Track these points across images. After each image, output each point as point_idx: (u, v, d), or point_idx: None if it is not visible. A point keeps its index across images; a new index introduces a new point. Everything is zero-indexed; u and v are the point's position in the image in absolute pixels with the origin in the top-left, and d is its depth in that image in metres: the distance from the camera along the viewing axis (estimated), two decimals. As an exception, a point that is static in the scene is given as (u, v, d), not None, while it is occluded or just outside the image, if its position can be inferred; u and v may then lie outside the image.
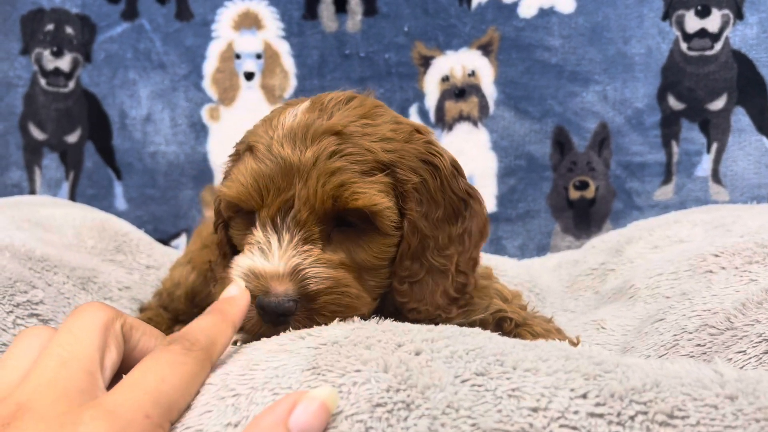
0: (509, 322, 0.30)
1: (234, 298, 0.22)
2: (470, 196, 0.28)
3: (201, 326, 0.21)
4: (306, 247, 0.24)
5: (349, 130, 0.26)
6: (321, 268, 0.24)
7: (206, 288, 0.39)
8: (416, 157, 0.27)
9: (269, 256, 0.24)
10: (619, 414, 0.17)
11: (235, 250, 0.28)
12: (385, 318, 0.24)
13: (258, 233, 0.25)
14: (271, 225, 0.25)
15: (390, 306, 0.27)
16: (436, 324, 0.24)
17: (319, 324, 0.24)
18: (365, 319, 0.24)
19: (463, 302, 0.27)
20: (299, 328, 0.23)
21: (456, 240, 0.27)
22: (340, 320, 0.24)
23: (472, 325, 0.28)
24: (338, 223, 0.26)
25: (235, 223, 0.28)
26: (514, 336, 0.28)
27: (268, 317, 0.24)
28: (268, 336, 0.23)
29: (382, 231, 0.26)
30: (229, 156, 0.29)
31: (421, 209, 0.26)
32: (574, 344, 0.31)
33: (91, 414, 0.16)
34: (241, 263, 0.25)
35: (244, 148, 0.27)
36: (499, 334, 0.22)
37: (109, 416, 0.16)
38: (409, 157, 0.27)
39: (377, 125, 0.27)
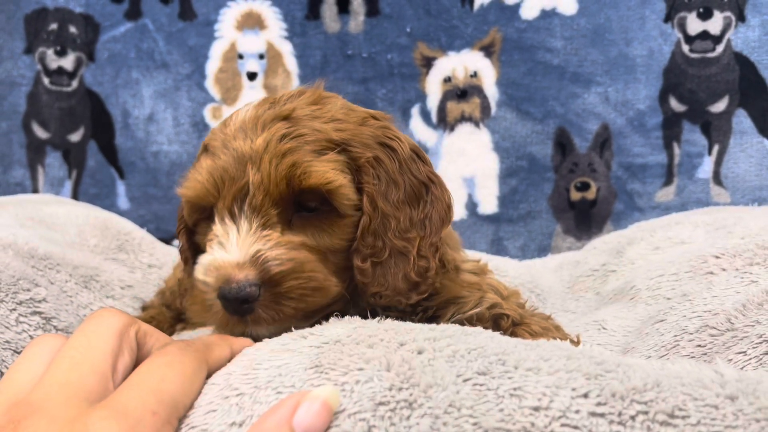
0: (506, 320, 0.29)
1: (240, 338, 0.23)
2: (431, 182, 0.28)
3: (200, 336, 0.22)
4: (265, 233, 0.24)
5: (297, 114, 0.26)
6: (282, 249, 0.24)
7: None
8: (371, 138, 0.27)
9: (228, 247, 0.24)
10: (620, 413, 0.17)
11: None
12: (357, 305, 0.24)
13: (216, 227, 0.25)
14: (228, 216, 0.24)
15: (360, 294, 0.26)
16: (400, 311, 0.24)
17: (286, 310, 0.23)
18: (335, 307, 0.24)
19: (425, 288, 0.26)
20: (267, 316, 0.22)
21: (417, 224, 0.26)
22: (309, 305, 0.23)
23: (469, 320, 0.28)
24: (298, 208, 0.25)
25: (200, 228, 0.28)
26: (512, 335, 0.27)
27: (231, 306, 0.23)
28: (237, 332, 0.23)
29: (341, 211, 0.25)
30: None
31: (379, 185, 0.26)
32: (574, 342, 0.31)
33: (101, 414, 0.16)
34: (202, 260, 0.24)
35: (201, 151, 0.27)
36: (500, 333, 0.22)
37: (118, 416, 0.16)
38: (363, 136, 0.26)
39: (327, 109, 0.27)
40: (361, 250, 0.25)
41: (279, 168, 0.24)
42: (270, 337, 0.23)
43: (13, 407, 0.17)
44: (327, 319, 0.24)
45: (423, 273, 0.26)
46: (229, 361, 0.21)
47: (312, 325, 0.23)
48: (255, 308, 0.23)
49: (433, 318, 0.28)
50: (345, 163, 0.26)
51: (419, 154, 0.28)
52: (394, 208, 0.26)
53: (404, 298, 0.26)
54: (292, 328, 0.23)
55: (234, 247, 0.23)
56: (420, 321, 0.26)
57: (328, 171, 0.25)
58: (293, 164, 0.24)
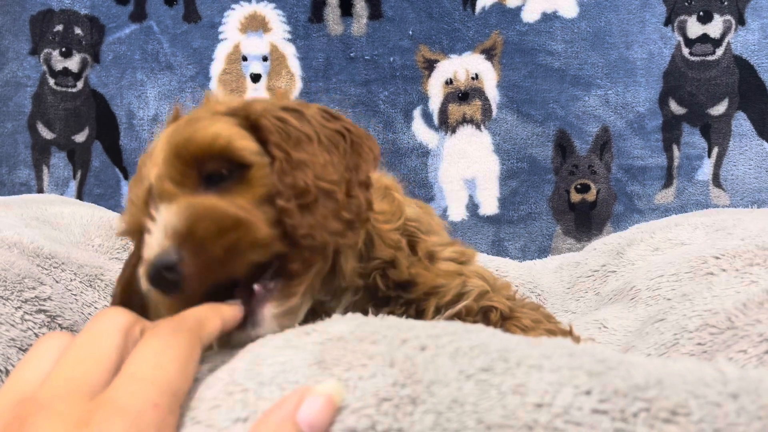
0: (495, 312, 0.28)
1: (231, 306, 0.22)
2: (349, 131, 0.25)
3: (191, 313, 0.20)
4: (172, 207, 0.22)
5: (189, 116, 0.25)
6: (182, 207, 0.21)
7: None
8: (268, 105, 0.25)
9: (149, 244, 0.22)
10: (622, 411, 0.17)
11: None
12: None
13: (146, 236, 0.23)
14: (149, 221, 0.23)
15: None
16: (382, 306, 0.23)
17: (215, 252, 0.20)
18: (272, 253, 0.21)
19: (359, 225, 0.24)
20: (199, 271, 0.20)
21: (340, 168, 0.24)
22: (239, 246, 0.20)
23: (458, 314, 0.27)
24: (210, 182, 0.23)
25: None
26: (502, 330, 0.26)
27: (160, 284, 0.20)
28: (173, 313, 0.20)
29: (246, 162, 0.23)
30: None
31: (286, 140, 0.23)
32: (567, 332, 0.30)
33: (103, 414, 0.16)
34: (140, 273, 0.22)
35: None
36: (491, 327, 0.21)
37: (121, 413, 0.16)
38: (257, 104, 0.25)
39: (212, 101, 0.26)
40: (283, 192, 0.23)
41: (167, 148, 0.23)
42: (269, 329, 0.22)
43: (19, 404, 0.17)
44: (313, 317, 0.23)
45: (356, 210, 0.23)
46: (221, 332, 0.20)
47: (314, 321, 0.23)
48: (183, 272, 0.20)
49: (418, 314, 0.28)
50: (239, 123, 0.24)
51: (329, 112, 0.26)
52: (310, 155, 0.24)
53: (339, 237, 0.23)
54: (288, 311, 0.21)
55: (153, 238, 0.22)
56: (404, 316, 0.26)
57: (212, 129, 0.23)
58: (180, 137, 0.23)
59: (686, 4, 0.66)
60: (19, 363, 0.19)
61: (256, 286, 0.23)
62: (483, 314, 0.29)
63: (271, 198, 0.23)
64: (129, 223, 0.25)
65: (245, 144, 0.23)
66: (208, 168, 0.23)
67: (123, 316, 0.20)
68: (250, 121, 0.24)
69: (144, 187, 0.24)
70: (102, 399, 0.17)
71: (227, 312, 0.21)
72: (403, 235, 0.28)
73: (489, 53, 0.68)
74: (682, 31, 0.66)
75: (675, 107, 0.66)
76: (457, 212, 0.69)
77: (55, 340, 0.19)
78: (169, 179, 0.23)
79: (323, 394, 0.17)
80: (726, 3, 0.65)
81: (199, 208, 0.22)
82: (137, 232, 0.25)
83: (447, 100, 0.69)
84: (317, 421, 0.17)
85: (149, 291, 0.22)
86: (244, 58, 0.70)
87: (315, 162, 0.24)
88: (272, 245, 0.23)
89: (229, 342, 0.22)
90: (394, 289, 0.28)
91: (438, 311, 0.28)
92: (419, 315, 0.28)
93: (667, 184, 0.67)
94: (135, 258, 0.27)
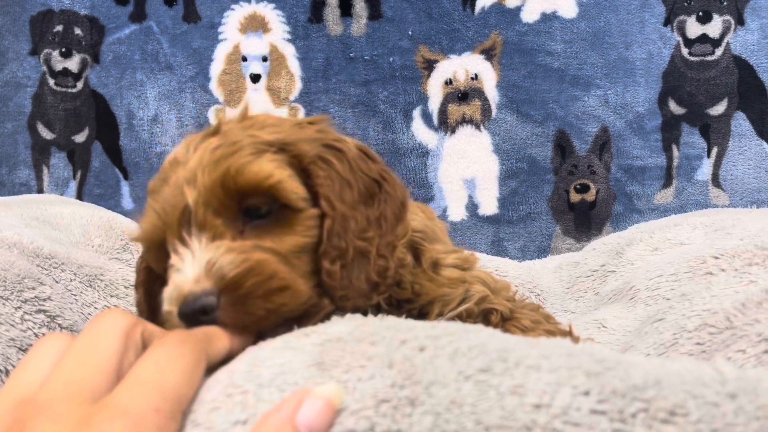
0: (496, 314, 0.29)
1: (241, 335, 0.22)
2: (384, 179, 0.26)
3: (201, 327, 0.21)
4: (215, 243, 0.22)
5: (227, 128, 0.25)
6: (234, 253, 0.22)
7: None
8: (313, 140, 0.25)
9: (183, 270, 0.22)
10: (620, 411, 0.17)
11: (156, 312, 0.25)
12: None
13: (173, 258, 0.23)
14: (179, 243, 0.23)
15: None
16: (365, 313, 0.23)
17: (257, 312, 0.21)
18: (306, 309, 0.23)
19: (383, 288, 0.25)
20: (232, 321, 0.21)
21: (374, 223, 0.25)
22: (279, 306, 0.21)
23: (459, 316, 0.27)
24: (248, 218, 0.24)
25: (159, 286, 0.25)
26: (502, 331, 0.27)
27: (187, 319, 0.21)
28: None
29: (292, 206, 0.24)
30: None
31: (332, 186, 0.24)
32: (566, 332, 0.30)
33: (104, 415, 0.16)
34: (165, 293, 0.23)
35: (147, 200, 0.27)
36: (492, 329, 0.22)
37: (122, 415, 0.16)
38: (304, 137, 0.25)
39: (257, 120, 0.26)
40: (329, 252, 0.24)
41: (212, 175, 0.23)
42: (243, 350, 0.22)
43: (19, 406, 0.17)
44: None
45: (383, 272, 0.25)
46: (228, 354, 0.21)
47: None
48: (217, 319, 0.21)
49: (420, 316, 0.28)
50: (286, 161, 0.24)
51: (367, 152, 0.27)
52: (350, 208, 0.25)
53: (366, 299, 0.24)
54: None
55: (188, 267, 0.22)
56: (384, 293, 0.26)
57: (264, 166, 0.23)
58: (227, 168, 0.23)
59: (685, 4, 0.66)
60: (18, 364, 0.19)
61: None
62: (483, 316, 0.29)
63: (312, 249, 0.24)
64: (149, 233, 0.25)
65: (295, 188, 0.24)
66: (249, 202, 0.24)
67: (122, 317, 0.20)
68: (298, 161, 0.25)
69: (178, 207, 0.24)
70: (104, 402, 0.17)
71: (236, 339, 0.21)
72: (408, 248, 0.28)
73: (488, 53, 0.68)
74: (682, 31, 0.66)
75: (674, 107, 0.66)
76: (457, 212, 0.69)
77: (54, 341, 0.19)
78: (210, 209, 0.23)
79: (322, 396, 0.17)
80: (725, 3, 0.65)
81: (252, 261, 0.22)
82: (156, 243, 0.25)
83: (446, 100, 0.69)
84: (316, 424, 0.17)
85: (170, 314, 0.22)
86: (244, 59, 0.70)
87: (355, 216, 0.25)
88: (308, 302, 0.23)
89: None
90: (397, 305, 0.28)
91: (440, 315, 0.28)
92: (421, 318, 0.28)
93: (667, 184, 0.67)
94: (145, 263, 0.27)
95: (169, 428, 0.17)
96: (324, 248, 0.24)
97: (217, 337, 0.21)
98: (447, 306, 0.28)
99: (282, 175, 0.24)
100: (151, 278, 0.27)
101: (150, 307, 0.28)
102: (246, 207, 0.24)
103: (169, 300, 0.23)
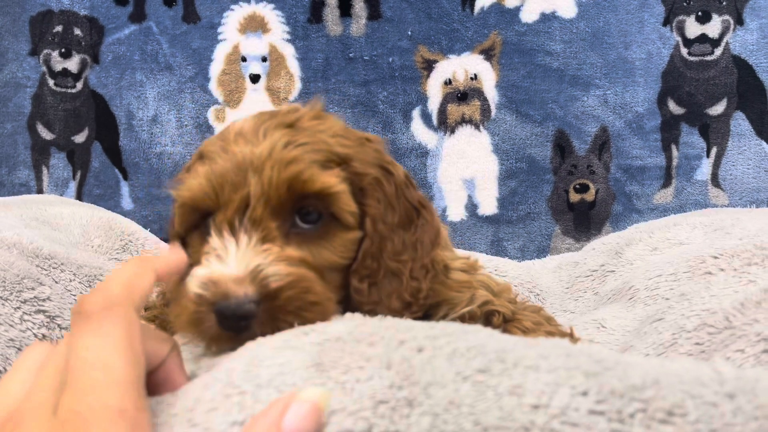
0: (498, 316, 0.29)
1: (162, 249, 0.21)
2: (423, 206, 0.28)
3: (118, 276, 0.19)
4: (265, 247, 0.23)
5: (302, 124, 0.26)
6: (281, 265, 0.23)
7: None
8: (371, 159, 0.27)
9: (227, 261, 0.23)
10: (619, 411, 0.17)
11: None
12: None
13: (214, 240, 0.24)
14: (228, 229, 0.23)
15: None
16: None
17: (284, 327, 0.22)
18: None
19: (416, 308, 0.26)
20: (263, 334, 0.21)
21: (410, 247, 0.27)
22: (307, 321, 0.22)
23: (461, 318, 0.28)
24: (296, 223, 0.25)
25: (191, 239, 0.26)
26: (503, 332, 0.27)
27: (228, 323, 0.22)
28: (226, 349, 0.21)
29: (342, 222, 0.25)
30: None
31: (380, 208, 0.26)
32: (567, 334, 0.31)
33: (65, 428, 0.15)
34: (198, 273, 0.23)
35: (195, 158, 0.27)
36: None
37: (85, 424, 0.15)
38: (365, 156, 0.27)
39: (330, 125, 0.27)
40: (360, 272, 0.26)
41: (282, 175, 0.24)
42: None
43: (5, 422, 0.16)
44: None
45: (415, 294, 0.26)
46: (156, 282, 0.19)
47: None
48: (252, 325, 0.22)
49: (424, 317, 0.29)
50: (347, 179, 0.26)
51: (410, 180, 0.29)
52: (390, 230, 0.26)
53: (398, 316, 0.25)
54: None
55: (233, 261, 0.22)
56: (416, 313, 0.27)
57: (332, 179, 0.25)
58: (299, 172, 0.24)
59: (685, 4, 0.66)
60: (3, 376, 0.19)
61: None
62: (485, 318, 0.30)
63: (347, 267, 0.26)
64: (196, 197, 0.25)
65: (349, 203, 0.25)
66: (306, 210, 0.25)
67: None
68: (359, 179, 0.26)
69: (239, 192, 0.24)
70: (64, 414, 0.16)
71: (160, 262, 0.20)
72: None
73: (488, 53, 0.68)
74: (681, 31, 0.66)
75: (674, 107, 0.66)
76: (456, 212, 0.69)
77: (36, 351, 0.19)
78: (269, 209, 0.24)
79: (308, 400, 0.17)
80: (724, 3, 0.65)
81: (294, 275, 0.23)
82: (197, 209, 0.25)
83: (446, 100, 0.69)
84: (302, 428, 0.17)
85: (199, 299, 0.22)
86: (244, 59, 0.70)
87: (392, 238, 0.26)
88: (332, 316, 0.24)
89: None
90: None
91: (444, 317, 0.29)
92: (425, 320, 0.28)
93: (666, 183, 0.67)
94: (173, 227, 0.27)
95: (140, 421, 0.16)
96: (356, 267, 0.26)
97: (138, 278, 0.18)
98: (453, 309, 0.29)
99: (343, 188, 0.25)
100: (179, 241, 0.27)
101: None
102: (299, 208, 0.25)
103: (202, 285, 0.22)
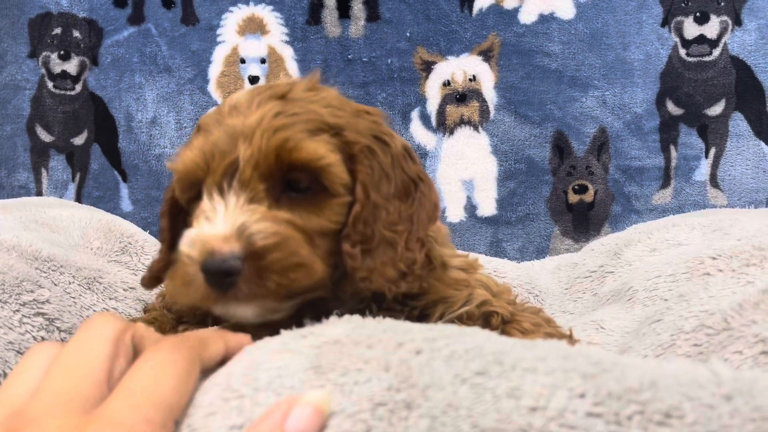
0: (496, 317, 0.29)
1: (237, 333, 0.22)
2: (421, 180, 0.28)
3: (194, 332, 0.21)
4: (252, 206, 0.23)
5: (293, 95, 0.26)
6: (267, 223, 0.23)
7: None
8: (365, 129, 0.27)
9: (214, 221, 0.23)
10: (616, 413, 0.17)
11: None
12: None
13: (204, 203, 0.24)
14: (217, 191, 0.24)
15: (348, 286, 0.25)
16: (388, 309, 0.24)
17: (270, 285, 0.22)
18: (318, 293, 0.24)
19: (411, 279, 0.26)
20: (248, 291, 0.22)
21: (405, 218, 0.26)
22: (293, 282, 0.22)
23: (459, 318, 0.28)
24: (287, 188, 0.25)
25: (192, 209, 0.27)
26: (502, 333, 0.28)
27: (213, 279, 0.22)
28: (217, 310, 0.22)
29: (331, 191, 0.25)
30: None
31: (372, 175, 0.26)
32: (566, 336, 0.31)
33: (95, 427, 0.16)
34: (188, 234, 0.24)
35: (194, 131, 0.27)
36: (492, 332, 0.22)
37: (114, 426, 0.16)
38: (358, 126, 0.26)
39: (323, 96, 0.27)
40: (351, 236, 0.25)
41: (270, 141, 0.24)
42: (251, 317, 0.23)
43: (9, 419, 0.16)
44: (311, 308, 0.24)
45: (410, 264, 0.26)
46: (223, 357, 0.21)
47: (296, 320, 0.23)
48: (237, 282, 0.22)
49: (421, 317, 0.28)
50: (338, 146, 0.25)
51: (410, 152, 0.28)
52: (384, 199, 0.26)
53: (393, 285, 0.25)
54: (276, 310, 0.22)
55: (220, 221, 0.23)
56: (408, 320, 0.26)
57: (319, 148, 0.24)
58: (286, 139, 0.24)
59: (683, 5, 0.66)
60: (9, 375, 0.19)
61: None
62: (484, 319, 0.30)
63: (337, 232, 0.25)
64: (188, 168, 0.25)
65: (340, 173, 0.25)
66: (296, 178, 0.25)
67: (111, 323, 0.20)
68: (349, 147, 0.26)
69: (228, 157, 0.24)
70: (96, 413, 0.16)
71: (232, 338, 0.22)
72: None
73: (486, 55, 0.68)
74: (679, 32, 0.66)
75: (672, 108, 0.67)
76: (456, 213, 0.69)
77: (43, 351, 0.19)
78: (258, 173, 0.24)
79: (310, 403, 0.17)
80: (723, 4, 0.65)
81: (280, 235, 0.23)
82: (191, 180, 0.26)
83: (445, 101, 0.69)
84: (305, 431, 0.17)
85: (189, 259, 0.23)
86: (242, 61, 0.71)
87: (387, 208, 0.26)
88: (320, 281, 0.24)
89: None
90: (402, 299, 0.28)
91: (441, 317, 0.29)
92: (422, 319, 0.28)
93: (665, 184, 0.67)
94: (172, 192, 0.28)
95: None
96: (347, 232, 0.25)
97: (212, 341, 0.21)
98: (450, 308, 0.29)
99: (333, 159, 0.25)
100: (176, 209, 0.28)
101: (172, 237, 0.28)
102: (289, 179, 0.25)
103: (191, 244, 0.23)
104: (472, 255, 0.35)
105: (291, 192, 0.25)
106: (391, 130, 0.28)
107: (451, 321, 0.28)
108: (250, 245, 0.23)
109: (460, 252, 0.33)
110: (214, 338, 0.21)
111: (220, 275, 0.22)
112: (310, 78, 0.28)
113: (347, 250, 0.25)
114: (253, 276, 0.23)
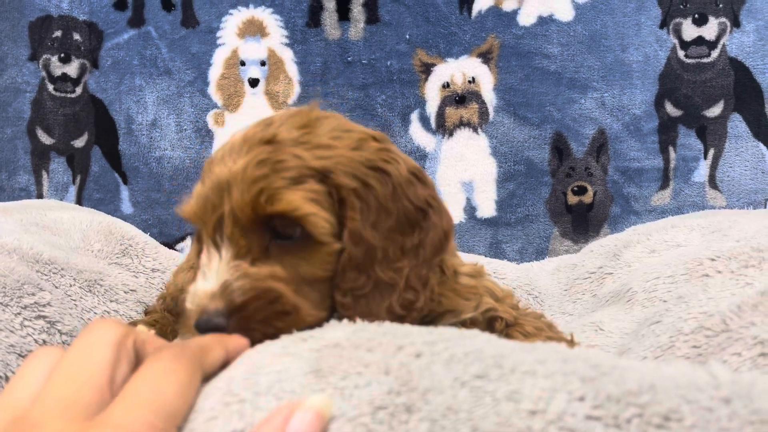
0: (500, 322, 0.29)
1: (237, 338, 0.23)
2: (430, 206, 0.26)
3: (195, 339, 0.21)
4: (236, 263, 0.24)
5: (281, 138, 0.25)
6: (246, 280, 0.24)
7: None
8: (361, 163, 0.25)
9: (207, 277, 0.24)
10: (615, 417, 0.17)
11: None
12: None
13: (203, 255, 0.25)
14: (212, 245, 0.25)
15: None
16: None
17: (255, 335, 0.23)
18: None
19: (409, 321, 0.25)
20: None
21: (410, 252, 0.25)
22: (278, 330, 0.23)
23: (463, 323, 0.28)
24: (277, 235, 0.25)
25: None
26: (505, 336, 0.28)
27: (204, 333, 0.23)
28: None
29: (316, 239, 0.24)
30: None
31: (365, 217, 0.25)
32: (568, 340, 0.31)
33: (98, 431, 0.16)
34: (191, 288, 0.25)
35: (204, 169, 0.27)
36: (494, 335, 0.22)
37: (115, 431, 0.16)
38: (350, 163, 0.25)
39: (316, 133, 0.26)
40: (341, 286, 0.25)
41: (245, 196, 0.24)
42: None
43: (11, 425, 0.17)
44: None
45: (408, 306, 0.25)
46: (224, 362, 0.21)
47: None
48: (227, 331, 0.23)
49: (427, 322, 0.28)
50: (324, 192, 0.25)
51: (419, 176, 0.27)
52: (383, 237, 0.25)
53: (397, 322, 0.25)
54: None
55: (212, 277, 0.24)
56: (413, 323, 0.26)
57: (297, 199, 0.24)
58: (260, 191, 0.24)
59: (681, 6, 0.66)
60: (10, 380, 0.19)
61: None
62: (488, 323, 0.30)
63: (330, 279, 0.25)
64: (191, 216, 0.26)
65: (322, 222, 0.25)
66: (281, 226, 0.25)
67: (113, 328, 0.20)
68: (337, 191, 0.25)
69: (216, 212, 0.25)
70: (99, 419, 0.17)
71: (231, 343, 0.22)
72: None
73: (486, 57, 0.68)
74: (678, 33, 0.66)
75: (671, 109, 0.67)
76: (455, 215, 0.69)
77: (45, 355, 0.19)
78: (238, 228, 0.24)
79: (312, 408, 0.17)
80: (721, 5, 0.66)
81: (260, 288, 0.24)
82: (196, 223, 0.27)
83: (444, 103, 0.69)
84: None
85: (190, 312, 0.24)
86: (242, 63, 0.71)
87: (386, 247, 0.25)
88: (312, 325, 0.24)
89: None
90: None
91: (447, 323, 0.28)
92: (427, 324, 0.28)
93: (664, 185, 0.67)
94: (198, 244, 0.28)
95: None
96: (337, 282, 0.25)
97: (212, 348, 0.21)
98: (458, 316, 0.29)
99: (309, 209, 0.24)
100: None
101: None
102: (274, 227, 0.25)
103: (191, 300, 0.25)
104: (473, 258, 0.35)
105: (281, 239, 0.25)
106: (399, 155, 0.27)
107: (454, 325, 0.28)
108: (231, 302, 0.24)
109: (465, 260, 0.33)
110: (214, 344, 0.21)
111: (208, 331, 0.24)
112: (307, 110, 0.27)
113: (339, 300, 0.25)
114: (239, 329, 0.23)
